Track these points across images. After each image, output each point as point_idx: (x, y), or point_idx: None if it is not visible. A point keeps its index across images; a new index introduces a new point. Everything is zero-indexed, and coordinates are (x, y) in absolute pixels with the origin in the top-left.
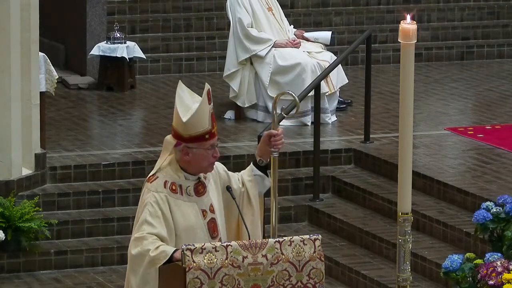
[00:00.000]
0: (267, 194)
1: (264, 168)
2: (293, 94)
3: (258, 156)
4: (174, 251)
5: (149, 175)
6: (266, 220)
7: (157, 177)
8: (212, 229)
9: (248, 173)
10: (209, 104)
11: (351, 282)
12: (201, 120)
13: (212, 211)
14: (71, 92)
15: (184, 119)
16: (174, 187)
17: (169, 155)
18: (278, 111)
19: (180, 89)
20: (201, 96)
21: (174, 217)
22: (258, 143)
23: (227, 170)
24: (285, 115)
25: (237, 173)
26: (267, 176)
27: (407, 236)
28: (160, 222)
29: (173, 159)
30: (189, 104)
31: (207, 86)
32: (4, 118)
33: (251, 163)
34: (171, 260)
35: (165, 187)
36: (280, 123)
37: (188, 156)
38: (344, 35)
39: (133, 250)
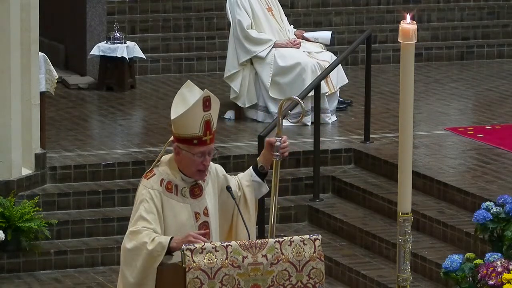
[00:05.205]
0: (267, 194)
1: (263, 175)
2: (299, 101)
3: (261, 162)
4: (170, 240)
5: (147, 171)
6: (266, 220)
7: (154, 174)
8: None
9: (247, 178)
10: (205, 111)
11: (351, 282)
12: (189, 123)
13: (206, 214)
14: (71, 92)
15: (172, 116)
16: (169, 186)
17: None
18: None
19: (186, 87)
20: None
21: (165, 215)
22: (258, 143)
23: (225, 173)
24: (291, 121)
25: (235, 176)
26: (265, 183)
27: (407, 236)
28: (155, 219)
29: (173, 158)
30: (189, 102)
31: (205, 93)
32: (4, 118)
33: (251, 167)
34: (169, 251)
35: (161, 185)
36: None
37: (179, 156)
38: (344, 35)
39: (128, 244)
